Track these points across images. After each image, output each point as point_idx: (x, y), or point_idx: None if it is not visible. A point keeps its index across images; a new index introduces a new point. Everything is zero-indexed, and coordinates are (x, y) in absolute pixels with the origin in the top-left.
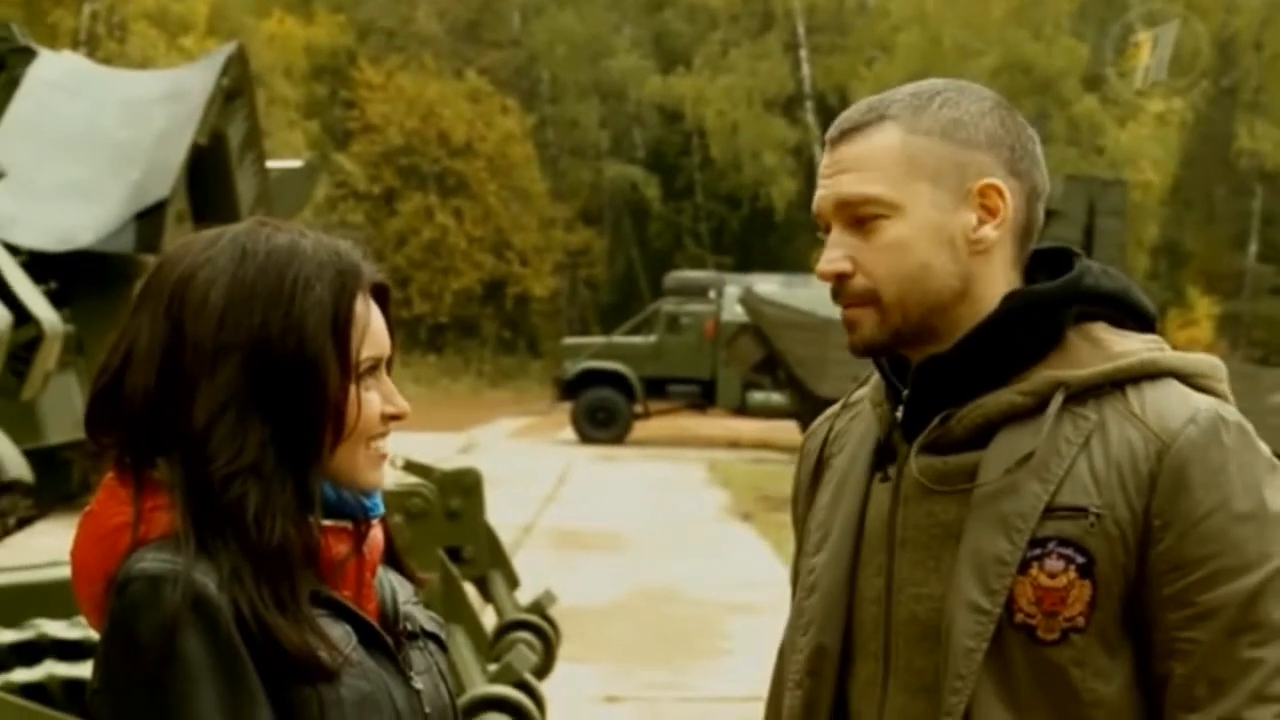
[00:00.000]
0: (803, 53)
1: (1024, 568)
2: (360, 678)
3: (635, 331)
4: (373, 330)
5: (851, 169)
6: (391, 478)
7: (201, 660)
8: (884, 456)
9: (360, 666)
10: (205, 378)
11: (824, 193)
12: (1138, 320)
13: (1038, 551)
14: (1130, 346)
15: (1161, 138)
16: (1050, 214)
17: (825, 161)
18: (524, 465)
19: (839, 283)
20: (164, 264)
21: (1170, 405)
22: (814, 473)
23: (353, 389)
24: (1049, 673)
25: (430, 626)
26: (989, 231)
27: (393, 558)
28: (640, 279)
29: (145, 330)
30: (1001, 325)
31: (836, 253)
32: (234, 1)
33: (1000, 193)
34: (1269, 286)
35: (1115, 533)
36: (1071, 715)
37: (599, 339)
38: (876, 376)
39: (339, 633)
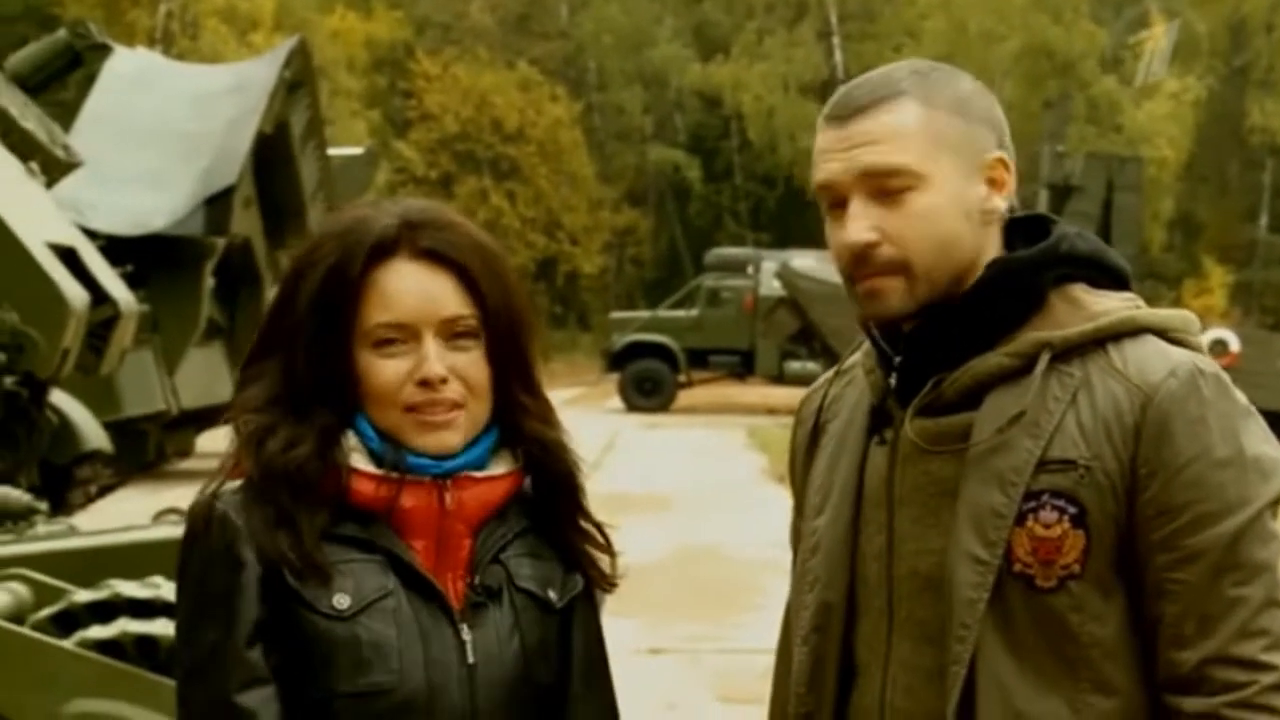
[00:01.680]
0: (835, 40)
1: (1020, 520)
2: (388, 623)
3: (678, 306)
4: (390, 297)
5: (876, 141)
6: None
7: (194, 571)
8: (879, 420)
9: (395, 613)
10: (258, 337)
11: (839, 166)
12: (1114, 279)
13: (1032, 504)
14: (1109, 305)
15: (1177, 116)
16: (1071, 189)
17: (836, 136)
18: (575, 432)
19: (865, 253)
20: None
21: (1150, 359)
22: (810, 437)
23: (363, 354)
24: (1048, 619)
25: (527, 585)
26: (998, 202)
27: (557, 529)
28: (683, 256)
29: None
30: (986, 291)
31: (863, 223)
32: None
33: (1006, 165)
34: (1279, 256)
35: (1105, 483)
36: (1070, 657)
37: (644, 313)
38: (868, 344)
39: (370, 578)
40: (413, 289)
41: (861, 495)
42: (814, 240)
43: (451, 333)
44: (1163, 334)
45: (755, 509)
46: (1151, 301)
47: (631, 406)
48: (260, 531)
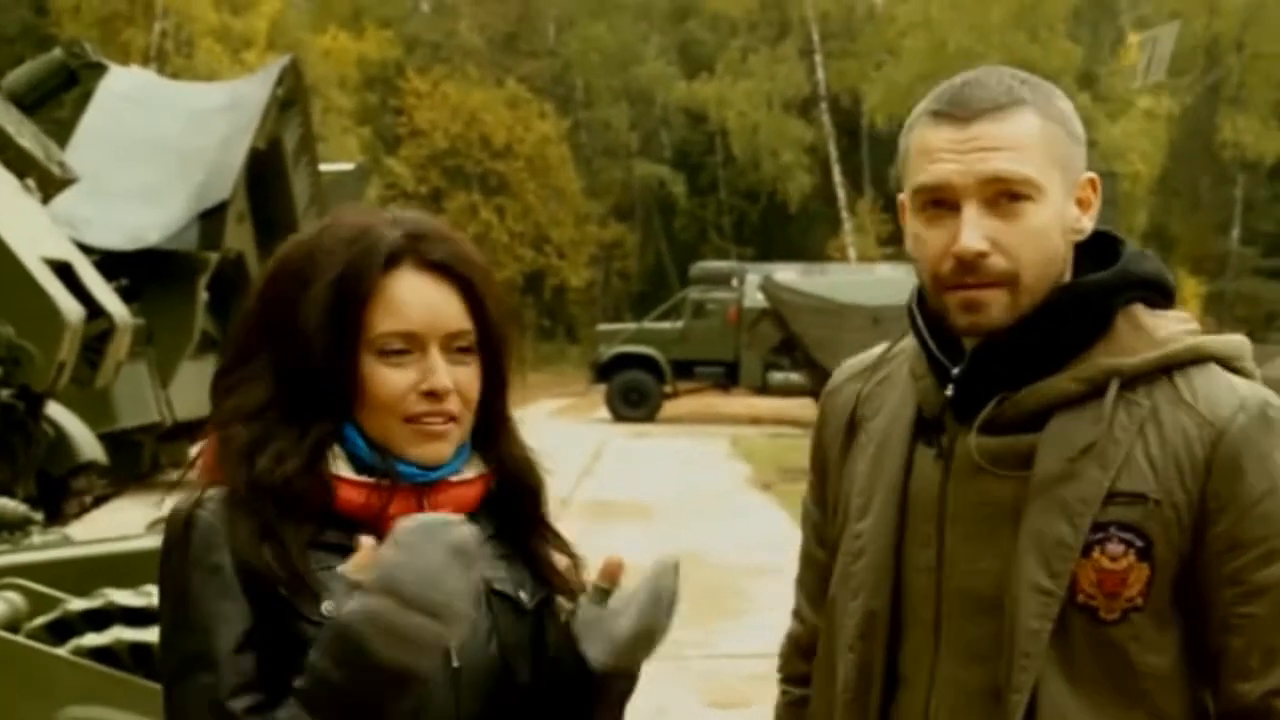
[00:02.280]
0: (817, 58)
1: (1086, 551)
2: None
3: (664, 318)
4: (397, 305)
5: (1004, 148)
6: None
7: (176, 578)
8: (928, 429)
9: None
10: (236, 337)
11: (962, 168)
12: (1165, 296)
13: (1099, 536)
14: (1171, 329)
15: (1150, 132)
16: None
17: (956, 137)
18: (562, 442)
19: (974, 262)
20: None
21: (1218, 393)
22: (847, 431)
23: (367, 361)
24: (1108, 650)
25: (504, 588)
26: (1086, 223)
27: (523, 541)
28: (668, 269)
29: None
30: (1057, 313)
31: (977, 232)
32: (291, 19)
33: (1095, 187)
34: (1250, 267)
35: (1172, 516)
36: (1127, 688)
37: (631, 325)
38: (913, 347)
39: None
40: (422, 300)
41: (906, 505)
42: (796, 254)
43: (454, 346)
44: (1225, 363)
45: (739, 517)
46: None
47: (618, 416)
48: (245, 544)
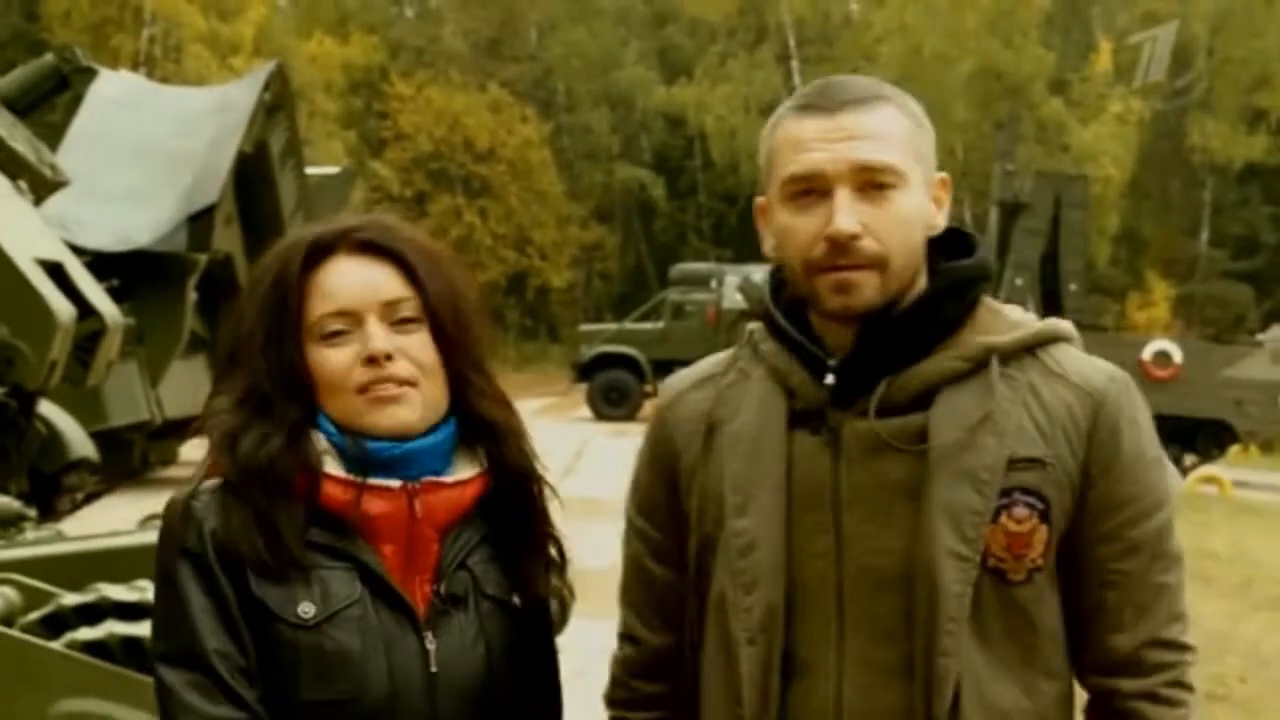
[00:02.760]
0: (794, 63)
1: (994, 516)
2: (352, 633)
3: (645, 318)
4: (329, 289)
5: (870, 136)
6: None
7: (169, 568)
8: (802, 421)
9: (359, 622)
10: (225, 348)
11: (832, 155)
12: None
13: (1004, 501)
14: (1016, 316)
15: (1121, 136)
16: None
17: (823, 126)
18: (545, 440)
19: (849, 243)
20: None
21: (1085, 366)
22: (704, 435)
23: (313, 349)
24: (1014, 611)
25: (493, 591)
26: (940, 220)
27: (512, 542)
28: (649, 271)
29: None
30: (938, 298)
31: (851, 216)
32: (278, 25)
33: (946, 186)
34: (1219, 270)
35: (1064, 480)
36: (1028, 646)
37: (612, 326)
38: (770, 348)
39: (338, 586)
40: (352, 278)
41: (791, 495)
42: None
43: (395, 316)
44: (1069, 342)
45: None
46: (1099, 314)
47: (599, 415)
48: (239, 533)
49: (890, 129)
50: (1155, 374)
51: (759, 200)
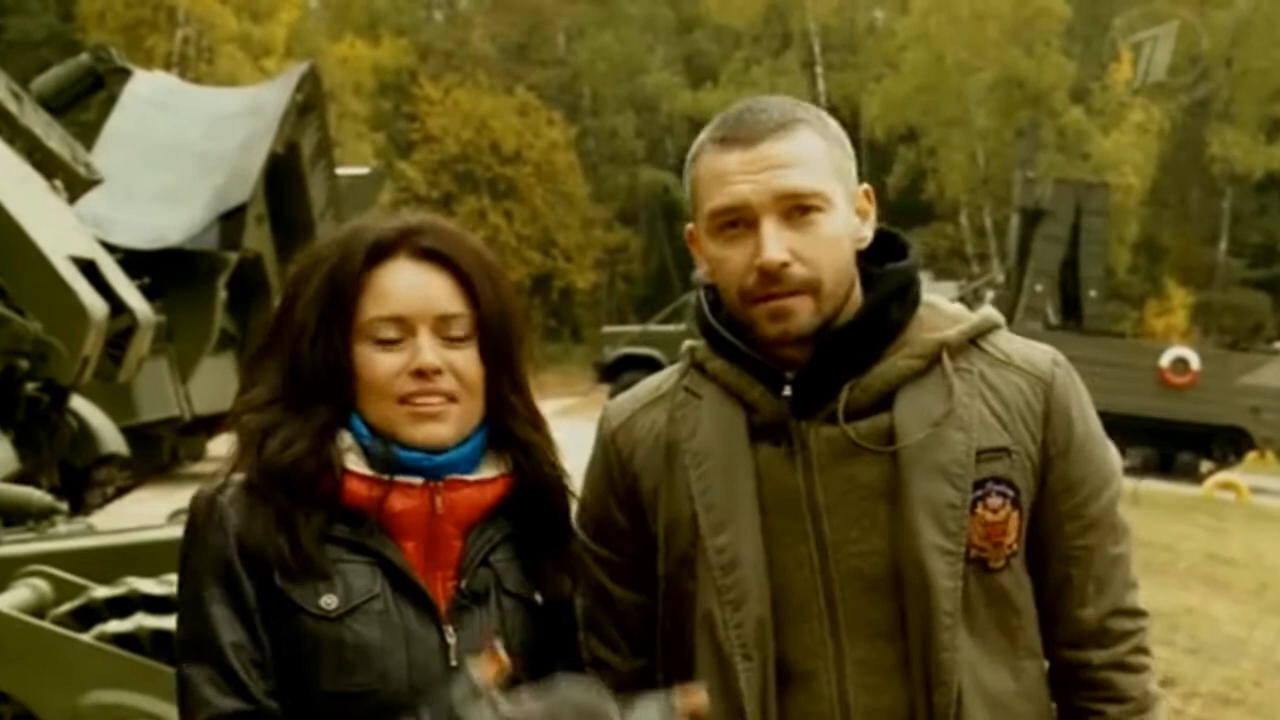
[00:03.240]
0: (818, 69)
1: (970, 508)
2: (373, 625)
3: (668, 320)
4: (386, 293)
5: (791, 165)
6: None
7: (193, 563)
8: (764, 434)
9: (382, 615)
10: (259, 343)
11: (755, 186)
12: None
13: (979, 492)
14: (953, 310)
15: (1141, 145)
16: (1041, 213)
17: (743, 159)
18: (568, 440)
19: (780, 271)
20: None
21: (1027, 351)
22: (666, 455)
23: (361, 349)
24: (997, 596)
25: (515, 588)
26: (866, 231)
27: (535, 543)
28: (672, 273)
29: None
30: (886, 301)
31: (779, 244)
32: (310, 27)
33: (870, 197)
34: (1238, 278)
35: (1027, 465)
36: (1009, 628)
37: (635, 327)
38: (718, 366)
39: (359, 580)
40: (410, 285)
41: (764, 508)
42: None
43: (447, 330)
44: (1000, 328)
45: None
46: (1117, 321)
47: None
48: (260, 532)
49: (810, 153)
50: (1173, 381)
51: (689, 227)
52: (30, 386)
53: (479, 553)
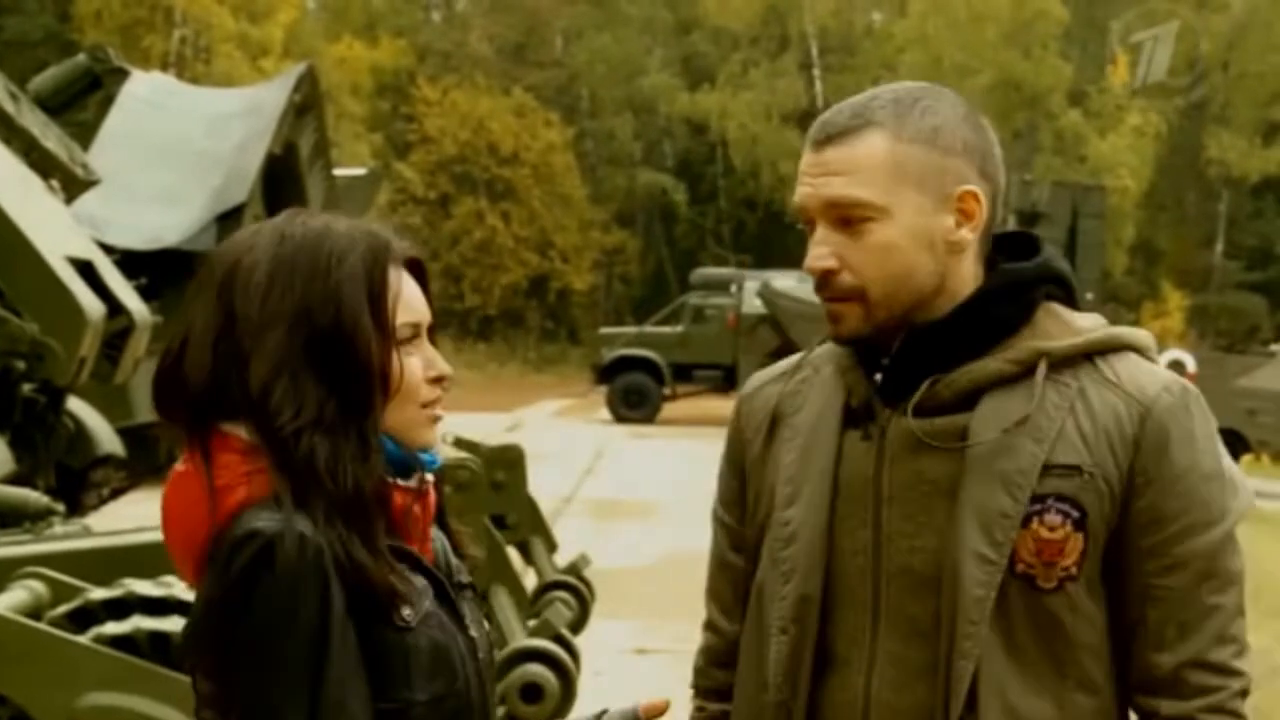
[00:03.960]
0: (816, 72)
1: (1025, 521)
2: (437, 628)
3: (664, 322)
4: (406, 298)
5: (840, 172)
6: (443, 453)
7: (311, 619)
8: (857, 417)
9: (437, 617)
10: (256, 348)
11: (809, 191)
12: (1071, 296)
13: (1037, 507)
14: (1086, 323)
15: (1138, 148)
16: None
17: (810, 161)
18: (565, 442)
19: (825, 277)
20: (214, 256)
21: (1141, 375)
22: (768, 427)
23: (394, 352)
24: (1044, 618)
25: (466, 579)
26: (966, 234)
27: (443, 523)
28: (669, 275)
29: (200, 315)
30: (988, 299)
31: (824, 250)
32: (307, 27)
33: (976, 198)
34: (1234, 281)
35: (1105, 489)
36: (1060, 657)
37: (632, 329)
38: (833, 346)
39: (420, 584)
40: (415, 292)
41: (837, 490)
42: (794, 261)
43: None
44: (1139, 352)
45: None
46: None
47: (618, 418)
48: (344, 558)
49: (867, 160)
50: None
51: None
52: (27, 387)
53: (444, 549)
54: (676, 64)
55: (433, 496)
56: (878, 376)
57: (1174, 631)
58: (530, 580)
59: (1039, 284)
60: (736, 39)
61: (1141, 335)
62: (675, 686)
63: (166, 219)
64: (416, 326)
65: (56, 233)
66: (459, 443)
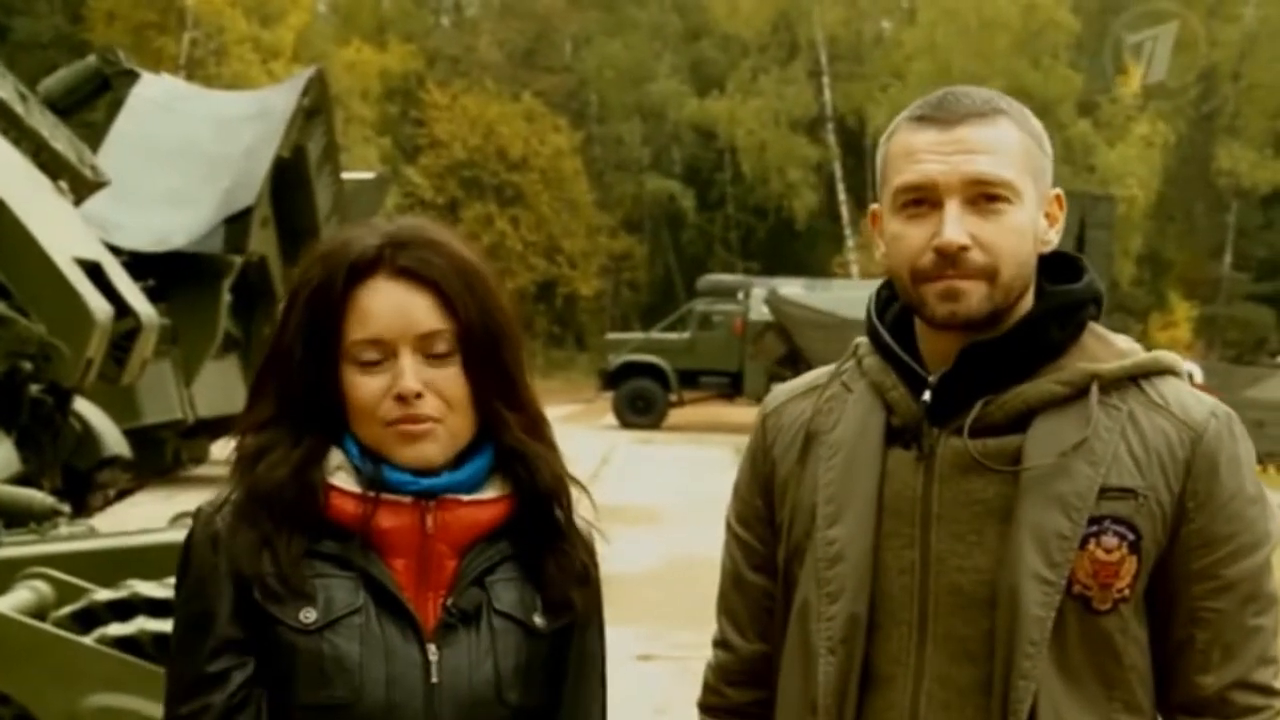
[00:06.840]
0: (825, 79)
1: (1082, 543)
2: (352, 639)
3: (671, 328)
4: (371, 313)
5: (985, 151)
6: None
7: (185, 585)
8: (899, 436)
9: (362, 629)
10: (264, 359)
11: (943, 168)
12: (1098, 318)
13: (1094, 529)
14: (1124, 344)
15: (1147, 158)
16: None
17: (939, 139)
18: (571, 447)
19: (958, 254)
20: None
21: (1188, 400)
22: (803, 444)
23: (348, 372)
24: (1098, 639)
25: (509, 609)
26: (1053, 235)
27: (532, 560)
28: (676, 281)
29: None
30: (1046, 320)
31: (960, 226)
32: (318, 31)
33: (1061, 203)
34: (1242, 293)
35: (1157, 512)
36: (1109, 678)
37: (639, 335)
38: (873, 363)
39: (342, 594)
40: (389, 306)
41: (882, 509)
42: (801, 268)
43: (430, 349)
44: (1176, 374)
45: None
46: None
47: (625, 423)
48: (244, 554)
49: (1006, 143)
50: None
51: (873, 207)
52: (34, 388)
53: (474, 572)
54: (685, 70)
55: (460, 518)
56: (925, 395)
57: (1219, 653)
58: None
59: (1087, 304)
60: (746, 46)
61: (1177, 360)
62: (679, 693)
63: (174, 221)
64: (379, 343)
65: (65, 234)
66: None
